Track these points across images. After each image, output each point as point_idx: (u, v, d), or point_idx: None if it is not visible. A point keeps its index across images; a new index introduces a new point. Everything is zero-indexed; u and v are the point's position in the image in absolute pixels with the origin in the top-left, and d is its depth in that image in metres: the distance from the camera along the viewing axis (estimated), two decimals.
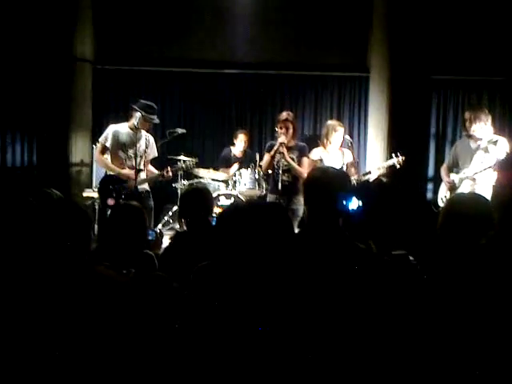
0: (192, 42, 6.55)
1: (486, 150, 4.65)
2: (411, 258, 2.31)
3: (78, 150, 6.54)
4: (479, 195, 1.75)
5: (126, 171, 4.63)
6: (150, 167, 4.91)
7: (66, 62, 6.39)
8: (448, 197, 4.70)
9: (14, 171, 6.36)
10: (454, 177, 4.86)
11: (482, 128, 4.65)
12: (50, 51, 6.30)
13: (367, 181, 4.66)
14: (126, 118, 4.84)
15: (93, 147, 6.41)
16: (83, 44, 6.46)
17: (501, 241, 1.26)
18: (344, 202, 1.87)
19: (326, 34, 6.56)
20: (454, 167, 4.93)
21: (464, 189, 4.67)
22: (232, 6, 6.39)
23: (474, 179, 4.65)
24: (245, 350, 1.55)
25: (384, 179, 4.84)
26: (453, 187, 4.79)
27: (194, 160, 5.17)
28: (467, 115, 4.76)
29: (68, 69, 6.40)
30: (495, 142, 4.64)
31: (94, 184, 6.28)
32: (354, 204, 1.99)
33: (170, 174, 4.77)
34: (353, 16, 6.51)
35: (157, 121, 4.76)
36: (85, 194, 6.17)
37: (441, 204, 4.87)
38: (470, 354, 1.35)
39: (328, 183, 1.83)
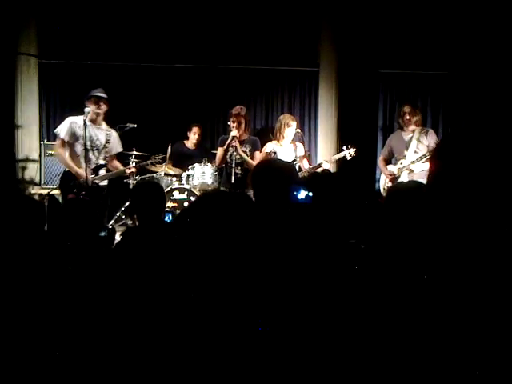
0: (141, 36, 6.46)
1: (418, 140, 5.12)
2: (362, 246, 2.40)
3: (25, 146, 6.34)
4: (417, 181, 1.86)
5: (82, 171, 4.51)
6: (116, 163, 4.84)
7: (10, 56, 6.17)
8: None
9: None
10: (392, 168, 5.24)
11: (417, 121, 5.19)
12: None
13: (316, 172, 4.78)
14: (74, 113, 4.76)
15: (40, 144, 6.24)
16: (28, 39, 6.26)
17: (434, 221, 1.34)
18: (293, 193, 1.93)
19: (277, 28, 6.61)
20: (390, 158, 5.33)
21: (403, 178, 4.99)
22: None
23: (411, 169, 5.00)
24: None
25: (329, 163, 5.03)
26: (393, 178, 5.10)
27: (160, 157, 5.16)
28: (408, 109, 5.17)
29: (12, 63, 6.19)
30: (426, 133, 5.17)
31: (42, 181, 6.11)
32: (303, 194, 2.06)
33: (133, 170, 4.75)
34: (303, 11, 6.60)
35: (102, 95, 4.67)
36: (33, 191, 6.00)
37: (383, 194, 5.16)
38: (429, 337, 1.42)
39: (274, 174, 1.88)
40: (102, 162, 4.64)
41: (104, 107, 4.69)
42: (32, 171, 6.30)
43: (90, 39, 6.45)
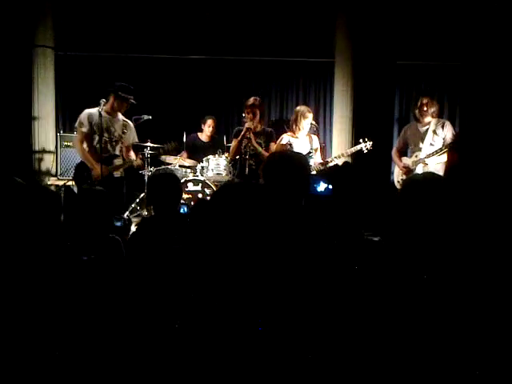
0: (156, 28, 6.45)
1: (434, 132, 4.97)
2: (376, 238, 2.38)
3: (41, 137, 6.40)
4: (433, 173, 1.82)
5: (96, 171, 4.52)
6: (131, 154, 4.86)
7: (28, 48, 6.21)
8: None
9: None
10: (406, 160, 5.15)
11: (434, 113, 5.03)
12: (10, 38, 6.11)
13: (336, 165, 4.74)
14: (91, 105, 4.77)
15: (57, 135, 6.29)
16: (45, 31, 6.28)
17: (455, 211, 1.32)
18: (313, 185, 1.91)
19: (293, 19, 6.56)
20: (405, 150, 5.24)
21: (418, 172, 4.92)
22: None
23: (425, 163, 4.91)
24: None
25: (351, 163, 4.98)
26: (408, 171, 5.02)
27: (173, 144, 5.15)
28: (426, 100, 5.04)
29: (29, 56, 6.23)
30: (442, 125, 5.00)
31: (58, 172, 6.17)
32: (322, 187, 2.04)
33: (140, 161, 4.76)
34: (318, 2, 6.53)
35: (133, 101, 4.69)
36: (49, 182, 6.06)
37: (398, 186, 5.09)
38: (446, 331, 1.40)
39: (285, 166, 1.87)
40: (117, 152, 4.66)
41: (125, 107, 4.72)
42: (48, 162, 6.36)
43: (106, 31, 6.48)
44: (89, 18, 6.42)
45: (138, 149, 5.09)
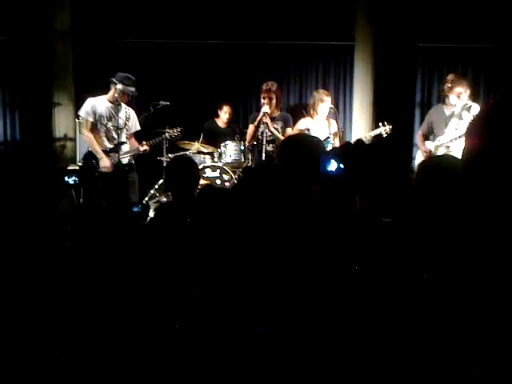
0: (173, 13, 6.41)
1: (459, 116, 4.67)
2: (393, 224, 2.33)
3: (62, 124, 6.45)
4: (451, 156, 1.77)
5: (104, 161, 4.62)
6: (134, 141, 4.91)
7: (46, 34, 6.24)
8: None
9: None
10: (429, 145, 4.93)
11: (461, 94, 4.64)
12: (29, 25, 6.16)
13: (348, 142, 4.67)
14: (105, 91, 4.81)
15: (75, 121, 6.34)
16: (63, 17, 6.30)
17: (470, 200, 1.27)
18: (323, 165, 1.85)
19: (311, 2, 6.44)
20: (429, 134, 5.00)
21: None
22: None
23: (448, 146, 4.70)
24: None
25: (365, 140, 4.86)
26: (430, 155, 4.84)
27: (178, 129, 5.17)
28: (450, 77, 4.75)
29: (48, 41, 6.26)
30: (469, 108, 4.63)
31: (78, 158, 6.23)
32: (333, 166, 1.98)
33: (146, 147, 4.79)
34: None
35: (135, 92, 4.73)
36: (69, 168, 6.12)
37: None
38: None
39: (301, 149, 1.83)
40: (123, 139, 4.73)
41: (127, 99, 4.76)
42: (68, 149, 6.42)
43: (124, 17, 6.46)
44: (107, 4, 6.41)
45: (147, 136, 5.11)
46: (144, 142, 4.81)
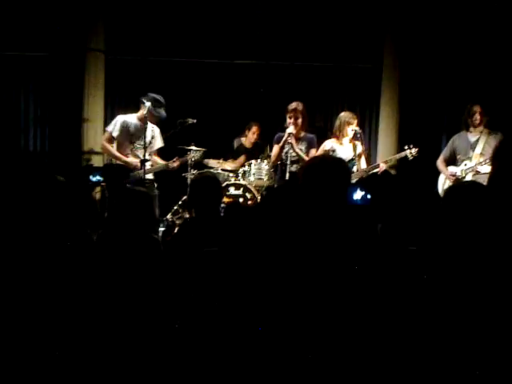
0: (204, 33, 6.53)
1: (487, 142, 4.77)
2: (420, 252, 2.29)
3: (90, 138, 6.59)
4: (476, 182, 1.74)
5: (131, 159, 4.69)
6: (155, 157, 4.97)
7: (80, 52, 6.44)
8: None
9: (25, 155, 6.56)
10: (454, 169, 4.94)
11: (486, 122, 4.84)
12: (65, 42, 6.40)
13: (375, 173, 4.64)
14: (135, 109, 4.90)
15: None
16: (96, 35, 6.49)
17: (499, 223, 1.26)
18: (350, 194, 1.87)
19: (340, 24, 6.50)
20: (451, 160, 5.02)
21: (468, 179, 4.73)
22: None
23: (477, 171, 4.73)
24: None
25: (391, 171, 4.84)
26: (456, 180, 4.83)
27: (201, 150, 5.23)
28: (478, 108, 4.84)
29: (81, 59, 6.45)
30: (495, 136, 4.78)
31: None
32: (359, 195, 1.99)
33: (175, 164, 4.83)
34: (366, 7, 6.45)
35: (164, 115, 4.80)
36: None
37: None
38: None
39: (325, 170, 1.83)
40: (147, 157, 4.79)
41: (157, 119, 4.85)
42: (97, 163, 6.53)
43: (155, 36, 6.61)
44: (139, 23, 6.57)
45: (170, 153, 5.17)
46: (175, 159, 4.87)
